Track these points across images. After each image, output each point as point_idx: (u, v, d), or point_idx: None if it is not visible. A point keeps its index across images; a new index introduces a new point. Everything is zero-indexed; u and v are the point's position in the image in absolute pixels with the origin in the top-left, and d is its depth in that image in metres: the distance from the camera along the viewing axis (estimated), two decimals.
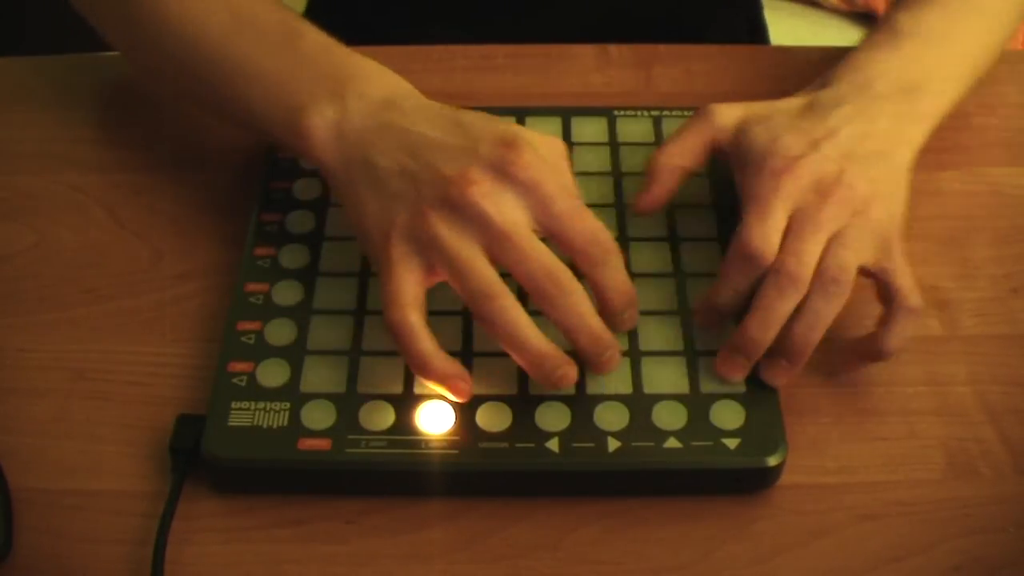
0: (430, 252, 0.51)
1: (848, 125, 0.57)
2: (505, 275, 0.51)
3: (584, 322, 0.51)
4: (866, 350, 0.55)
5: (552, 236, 0.52)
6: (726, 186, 0.61)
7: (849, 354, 0.56)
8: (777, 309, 0.52)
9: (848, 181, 0.54)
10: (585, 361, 0.52)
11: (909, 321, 0.54)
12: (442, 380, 0.51)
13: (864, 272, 0.54)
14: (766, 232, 0.53)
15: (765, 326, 0.52)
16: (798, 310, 0.52)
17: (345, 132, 0.54)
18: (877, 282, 0.54)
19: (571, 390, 0.53)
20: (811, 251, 0.53)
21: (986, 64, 0.66)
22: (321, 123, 0.55)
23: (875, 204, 0.54)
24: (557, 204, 0.51)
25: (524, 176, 0.51)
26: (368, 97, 0.55)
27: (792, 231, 0.53)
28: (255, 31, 0.59)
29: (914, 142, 0.59)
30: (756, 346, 0.53)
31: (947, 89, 0.62)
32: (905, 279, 0.54)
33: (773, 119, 0.58)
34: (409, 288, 0.51)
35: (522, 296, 0.51)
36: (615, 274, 0.52)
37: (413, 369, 0.51)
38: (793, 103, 0.59)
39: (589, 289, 0.52)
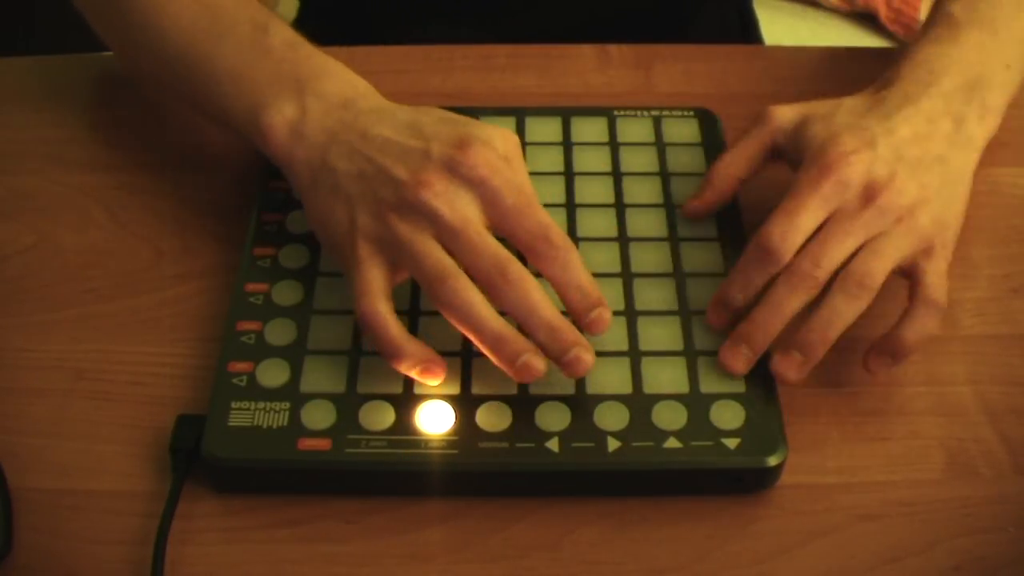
0: (391, 249, 0.52)
1: (907, 126, 0.56)
2: None
3: (537, 313, 0.50)
4: (884, 347, 0.54)
5: (502, 232, 0.53)
6: None
7: (871, 355, 0.55)
8: (785, 304, 0.53)
9: (898, 186, 0.54)
10: (551, 358, 0.51)
11: (929, 316, 0.53)
12: (418, 363, 0.51)
13: (898, 270, 0.54)
14: (787, 231, 0.53)
15: (771, 319, 0.53)
16: (817, 305, 0.53)
17: (304, 133, 0.56)
18: (909, 280, 0.54)
19: (571, 390, 0.53)
20: (832, 255, 0.53)
21: None
22: (280, 121, 0.56)
23: (922, 210, 0.54)
24: (505, 200, 0.52)
25: (474, 174, 0.52)
26: (327, 97, 0.56)
27: (822, 232, 0.53)
28: (223, 26, 0.60)
29: (976, 142, 0.58)
30: (761, 337, 0.53)
31: (1009, 79, 0.61)
32: (934, 276, 0.54)
33: (834, 117, 0.57)
34: (376, 281, 0.52)
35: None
36: (572, 271, 0.52)
37: (386, 358, 0.52)
38: (857, 101, 0.59)
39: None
